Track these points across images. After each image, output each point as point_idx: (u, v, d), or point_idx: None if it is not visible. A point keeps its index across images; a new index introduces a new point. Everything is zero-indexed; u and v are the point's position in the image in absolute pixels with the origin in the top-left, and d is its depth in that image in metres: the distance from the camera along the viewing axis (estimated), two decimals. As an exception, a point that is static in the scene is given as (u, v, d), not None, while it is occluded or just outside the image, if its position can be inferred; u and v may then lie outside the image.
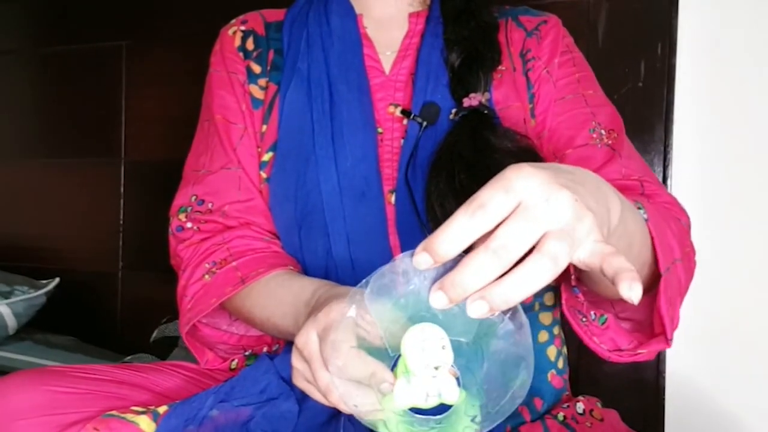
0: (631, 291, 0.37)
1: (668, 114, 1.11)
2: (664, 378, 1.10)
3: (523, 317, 0.43)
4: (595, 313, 0.59)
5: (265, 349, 0.79)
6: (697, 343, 1.09)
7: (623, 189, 0.68)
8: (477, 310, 0.38)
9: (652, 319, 0.58)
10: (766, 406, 1.06)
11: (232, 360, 0.78)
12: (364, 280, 0.45)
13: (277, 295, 0.69)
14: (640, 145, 1.11)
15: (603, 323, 0.60)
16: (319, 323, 0.50)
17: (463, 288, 0.38)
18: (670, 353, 1.10)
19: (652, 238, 0.55)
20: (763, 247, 1.06)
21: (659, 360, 1.10)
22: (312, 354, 0.50)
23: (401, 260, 0.43)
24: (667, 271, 0.55)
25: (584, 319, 0.59)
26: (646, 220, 0.55)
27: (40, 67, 1.66)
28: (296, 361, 0.53)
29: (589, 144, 0.74)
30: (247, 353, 0.79)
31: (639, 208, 0.56)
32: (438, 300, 0.39)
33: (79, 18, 1.61)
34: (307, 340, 0.50)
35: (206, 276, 0.73)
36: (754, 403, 1.06)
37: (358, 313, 0.45)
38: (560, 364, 0.77)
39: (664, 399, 1.10)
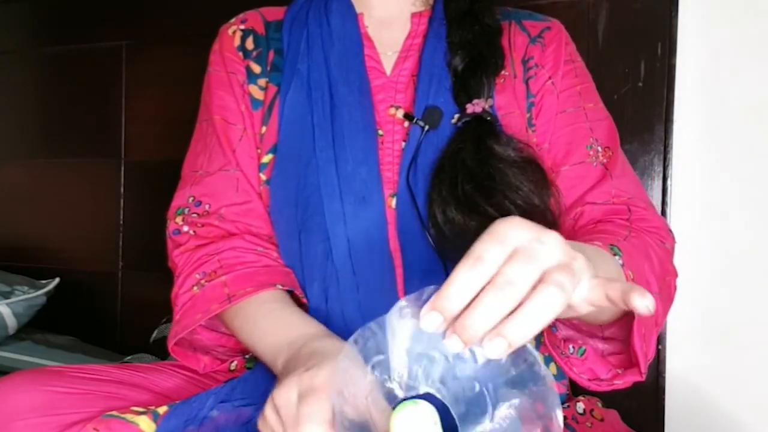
0: (644, 300, 0.39)
1: (668, 114, 1.10)
2: (664, 378, 1.10)
3: (543, 369, 0.42)
4: (573, 347, 0.61)
5: None
6: (697, 343, 1.09)
7: (610, 213, 0.71)
8: (496, 348, 0.38)
9: (628, 346, 0.60)
10: (765, 405, 1.06)
11: (231, 362, 0.77)
12: (352, 337, 0.44)
13: (261, 326, 0.68)
14: (640, 145, 1.11)
15: (582, 354, 0.61)
16: (302, 383, 0.49)
17: (475, 329, 0.38)
18: (670, 353, 1.10)
19: (626, 279, 0.57)
20: (764, 247, 1.06)
21: (659, 360, 1.10)
22: (288, 416, 0.49)
23: (390, 318, 0.43)
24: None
25: (563, 353, 0.61)
26: (622, 266, 0.58)
27: (40, 67, 1.66)
28: (269, 411, 0.51)
29: (585, 162, 0.75)
30: (247, 356, 0.78)
31: (615, 255, 0.59)
32: (453, 344, 0.39)
33: (79, 18, 1.60)
34: (288, 400, 0.49)
35: (195, 288, 0.72)
36: (753, 403, 1.06)
37: (343, 382, 0.44)
38: (552, 369, 0.77)
39: (664, 399, 1.10)
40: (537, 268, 0.39)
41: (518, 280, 0.38)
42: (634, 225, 0.70)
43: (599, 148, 0.75)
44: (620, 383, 0.61)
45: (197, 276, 0.73)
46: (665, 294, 0.64)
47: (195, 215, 0.78)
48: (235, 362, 0.76)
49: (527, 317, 0.38)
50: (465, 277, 0.39)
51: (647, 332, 0.58)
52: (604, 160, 0.75)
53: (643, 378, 0.59)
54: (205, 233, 0.77)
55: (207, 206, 0.78)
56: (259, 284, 0.71)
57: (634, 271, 0.58)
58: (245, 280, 0.71)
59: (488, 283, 0.39)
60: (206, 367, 0.76)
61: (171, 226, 0.79)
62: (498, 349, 0.38)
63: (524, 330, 0.38)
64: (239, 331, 0.71)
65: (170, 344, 0.73)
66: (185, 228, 0.77)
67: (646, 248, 0.65)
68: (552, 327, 0.62)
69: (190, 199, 0.79)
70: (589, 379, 0.62)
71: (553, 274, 0.39)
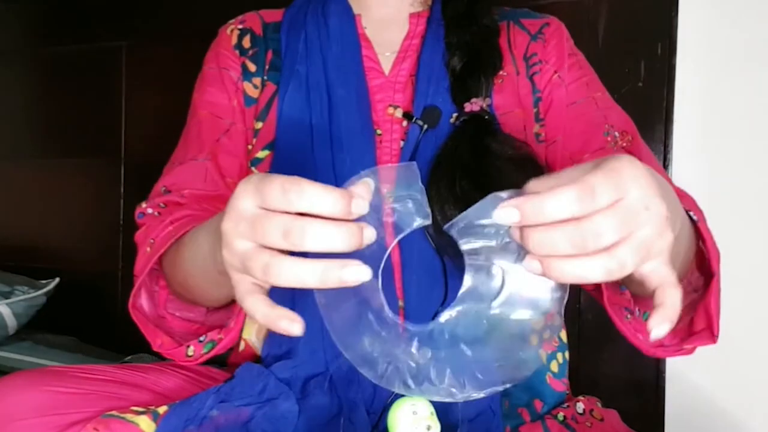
0: (658, 328, 0.40)
1: (668, 114, 1.11)
2: (664, 378, 1.10)
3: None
4: (639, 310, 0.60)
5: (219, 335, 0.70)
6: (697, 343, 1.09)
7: None
8: (531, 267, 0.40)
9: (689, 314, 0.60)
10: (765, 405, 1.06)
11: (188, 346, 0.71)
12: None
13: (196, 230, 0.63)
14: (640, 145, 1.11)
15: (646, 319, 0.61)
16: (249, 181, 0.43)
17: (537, 245, 0.39)
18: (670, 353, 1.10)
19: (704, 239, 0.58)
20: (764, 247, 1.06)
21: (659, 360, 1.10)
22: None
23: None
24: (718, 272, 0.58)
25: (629, 316, 0.60)
26: (696, 221, 0.57)
27: (40, 67, 1.66)
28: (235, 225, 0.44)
29: (605, 147, 0.75)
30: (201, 339, 0.72)
31: (687, 210, 0.58)
32: (514, 233, 0.40)
33: (79, 18, 1.61)
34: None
35: (148, 249, 0.71)
36: (753, 403, 1.06)
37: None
38: (554, 367, 0.77)
39: (664, 399, 1.10)
40: (626, 232, 0.38)
41: (605, 238, 0.38)
42: None
43: (616, 134, 0.76)
44: (690, 347, 0.61)
45: (150, 241, 0.71)
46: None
47: (161, 200, 0.77)
48: (192, 347, 0.70)
49: (573, 268, 0.38)
50: (565, 200, 0.38)
51: (719, 295, 0.58)
52: (624, 144, 0.75)
53: (716, 341, 0.59)
54: (166, 211, 0.75)
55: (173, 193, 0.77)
56: (206, 218, 0.66)
57: (706, 230, 0.58)
58: (193, 221, 0.69)
59: (579, 218, 0.38)
60: (162, 345, 0.71)
61: (137, 211, 0.77)
62: (532, 269, 0.40)
63: (563, 275, 0.39)
64: (183, 256, 0.66)
65: (129, 306, 0.70)
66: (149, 210, 0.76)
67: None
68: (621, 285, 0.61)
69: (162, 188, 0.79)
70: (654, 346, 0.61)
71: (625, 250, 0.38)
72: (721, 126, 1.09)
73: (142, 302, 0.72)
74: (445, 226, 0.46)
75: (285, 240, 0.40)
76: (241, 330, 0.68)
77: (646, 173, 0.40)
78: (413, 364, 0.45)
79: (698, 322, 0.61)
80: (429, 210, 0.45)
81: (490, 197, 0.43)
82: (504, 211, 0.40)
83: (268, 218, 0.41)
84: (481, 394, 0.44)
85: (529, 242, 0.39)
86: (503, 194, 0.42)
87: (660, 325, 0.40)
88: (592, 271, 0.38)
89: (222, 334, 0.67)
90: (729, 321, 1.07)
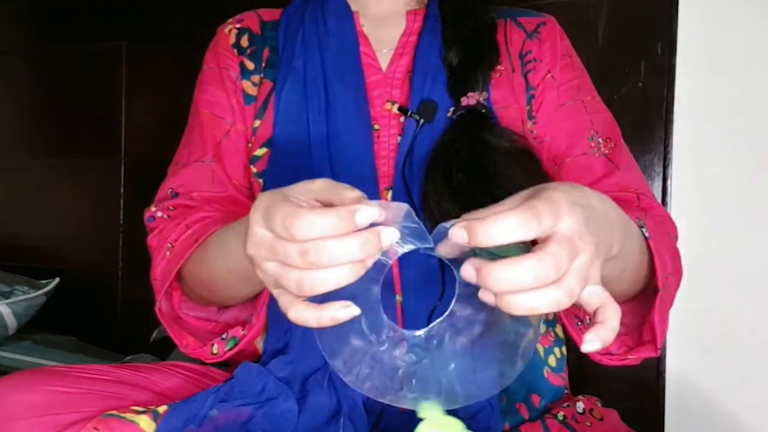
0: (591, 344, 0.41)
1: (668, 114, 1.11)
2: (664, 378, 1.10)
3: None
4: (590, 318, 0.60)
5: (242, 331, 0.72)
6: (697, 343, 1.09)
7: (620, 201, 0.71)
8: (486, 298, 0.42)
9: (641, 326, 0.62)
10: (765, 406, 1.06)
11: (212, 344, 0.72)
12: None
13: (222, 234, 0.65)
14: (640, 145, 1.11)
15: None
16: (258, 209, 0.45)
17: (503, 276, 0.38)
18: (670, 353, 1.10)
19: (652, 255, 0.59)
20: (764, 247, 1.06)
21: (659, 360, 1.10)
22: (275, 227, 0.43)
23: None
24: (663, 287, 0.60)
25: (579, 323, 0.61)
26: (647, 239, 0.59)
27: (40, 67, 1.66)
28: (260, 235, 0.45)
29: (588, 153, 0.76)
30: (224, 336, 0.73)
31: (641, 227, 0.59)
32: (459, 236, 0.40)
33: (79, 18, 1.61)
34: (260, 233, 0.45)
35: (167, 253, 0.71)
36: (754, 402, 1.06)
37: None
38: (552, 361, 0.77)
39: (664, 399, 1.10)
40: (565, 266, 0.39)
41: (563, 269, 0.38)
42: (645, 213, 0.71)
43: (600, 140, 0.77)
44: (633, 358, 0.62)
45: (168, 245, 0.72)
46: (676, 277, 0.65)
47: (168, 201, 0.78)
48: (216, 346, 0.71)
49: (527, 301, 0.38)
50: (513, 224, 0.38)
51: (664, 310, 0.60)
52: (606, 151, 0.76)
53: (658, 354, 0.60)
54: (177, 214, 0.76)
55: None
56: (225, 222, 0.68)
57: (657, 248, 0.60)
58: (212, 225, 0.70)
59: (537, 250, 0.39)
60: (188, 346, 0.72)
61: (146, 215, 0.78)
62: (486, 300, 0.42)
63: (516, 309, 0.39)
64: (209, 263, 0.67)
65: (156, 309, 0.71)
66: (159, 213, 0.77)
67: (662, 231, 0.66)
68: None
69: (169, 191, 0.79)
70: (601, 354, 0.63)
71: (571, 278, 0.39)
72: (721, 126, 1.09)
73: (161, 305, 0.73)
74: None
75: (302, 261, 0.41)
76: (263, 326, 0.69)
77: (579, 206, 0.41)
78: (398, 370, 0.45)
79: (646, 334, 0.62)
80: (430, 238, 0.45)
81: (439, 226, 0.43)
82: (459, 232, 0.40)
83: (283, 244, 0.42)
84: (463, 403, 0.44)
85: (489, 281, 0.39)
86: (448, 224, 0.42)
87: (593, 341, 0.41)
88: (545, 303, 0.39)
89: (245, 330, 0.68)
90: (729, 321, 1.08)
